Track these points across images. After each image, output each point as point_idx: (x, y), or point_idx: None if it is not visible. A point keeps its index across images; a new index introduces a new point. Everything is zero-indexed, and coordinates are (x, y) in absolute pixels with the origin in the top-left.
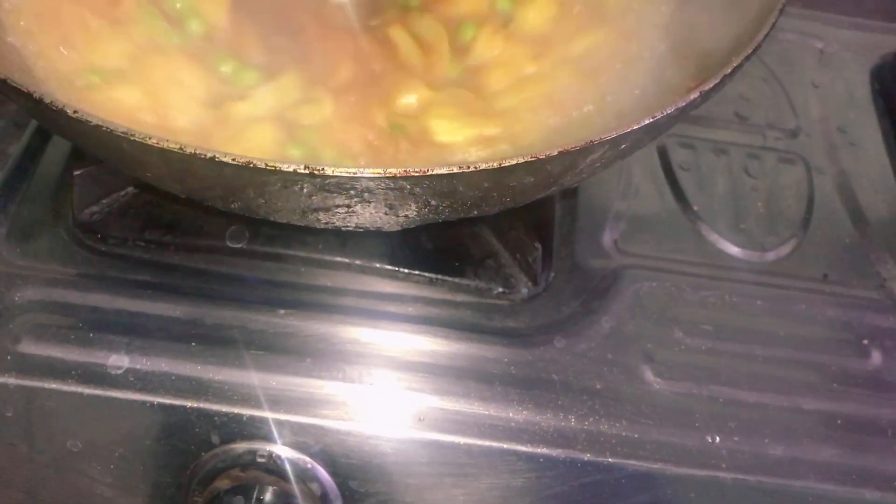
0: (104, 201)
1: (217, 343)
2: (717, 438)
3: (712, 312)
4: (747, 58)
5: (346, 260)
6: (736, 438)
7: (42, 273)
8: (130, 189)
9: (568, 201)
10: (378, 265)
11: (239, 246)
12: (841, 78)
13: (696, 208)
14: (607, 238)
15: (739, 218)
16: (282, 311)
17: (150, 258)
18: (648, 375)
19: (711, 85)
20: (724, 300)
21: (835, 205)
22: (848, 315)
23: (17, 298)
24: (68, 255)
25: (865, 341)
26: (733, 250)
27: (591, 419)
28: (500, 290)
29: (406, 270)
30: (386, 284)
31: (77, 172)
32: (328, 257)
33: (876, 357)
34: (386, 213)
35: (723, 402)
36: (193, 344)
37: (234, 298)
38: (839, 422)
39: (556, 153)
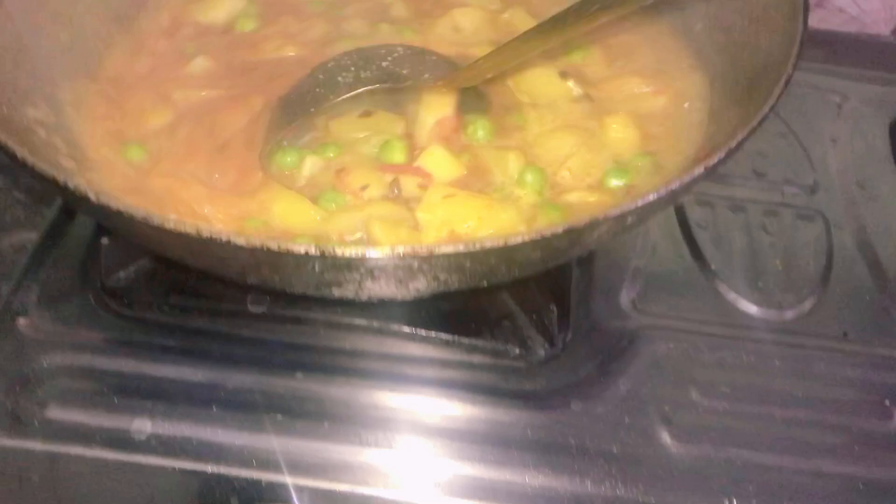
0: (130, 267)
1: (238, 407)
2: (735, 503)
3: (730, 373)
4: (752, 130)
5: (365, 322)
6: (754, 502)
7: (70, 338)
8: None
9: (585, 261)
10: (396, 327)
11: (260, 310)
12: (859, 132)
13: (713, 266)
14: (625, 297)
15: (757, 276)
16: (300, 375)
17: (175, 322)
18: (666, 438)
19: (716, 160)
20: (742, 360)
21: (854, 261)
22: (869, 374)
23: (45, 364)
24: (95, 320)
25: (887, 402)
26: (751, 309)
27: (608, 483)
28: (517, 351)
29: (423, 332)
30: (404, 346)
31: (105, 240)
32: (347, 320)
33: None
34: (396, 287)
35: (741, 465)
36: (214, 408)
37: (255, 362)
38: (861, 486)
39: (561, 230)
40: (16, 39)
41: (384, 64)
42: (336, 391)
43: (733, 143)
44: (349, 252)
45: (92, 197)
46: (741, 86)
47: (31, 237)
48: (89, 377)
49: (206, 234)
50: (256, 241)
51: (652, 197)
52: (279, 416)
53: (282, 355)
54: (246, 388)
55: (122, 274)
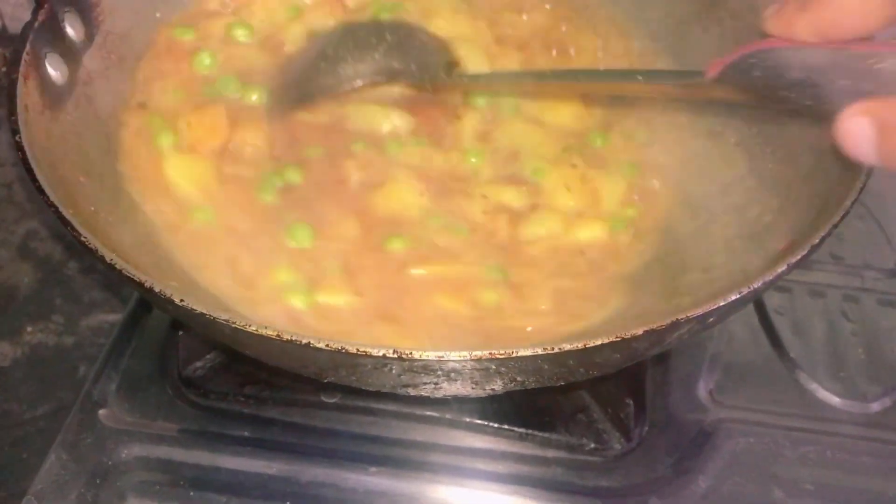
0: (207, 357)
1: (310, 502)
2: None
3: (814, 470)
4: (835, 226)
5: (437, 414)
6: None
7: (147, 428)
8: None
9: (661, 352)
10: (468, 419)
11: (333, 401)
12: None
13: (792, 355)
14: (702, 389)
15: (839, 366)
16: (373, 469)
17: (249, 412)
18: None
19: (799, 256)
20: (826, 456)
21: None
22: None
23: (123, 455)
24: (173, 410)
25: None
26: (834, 401)
27: None
28: (592, 445)
29: (496, 425)
30: (475, 439)
31: (182, 332)
32: (419, 411)
33: None
34: (473, 388)
35: None
36: (288, 503)
37: (327, 455)
38: None
39: (641, 332)
40: (104, 137)
41: (376, 56)
42: (407, 486)
43: (816, 240)
44: (426, 355)
45: (176, 300)
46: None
47: (108, 319)
48: (166, 469)
49: (285, 336)
50: (335, 345)
51: (734, 296)
52: None
53: (354, 447)
54: (318, 481)
55: (198, 364)
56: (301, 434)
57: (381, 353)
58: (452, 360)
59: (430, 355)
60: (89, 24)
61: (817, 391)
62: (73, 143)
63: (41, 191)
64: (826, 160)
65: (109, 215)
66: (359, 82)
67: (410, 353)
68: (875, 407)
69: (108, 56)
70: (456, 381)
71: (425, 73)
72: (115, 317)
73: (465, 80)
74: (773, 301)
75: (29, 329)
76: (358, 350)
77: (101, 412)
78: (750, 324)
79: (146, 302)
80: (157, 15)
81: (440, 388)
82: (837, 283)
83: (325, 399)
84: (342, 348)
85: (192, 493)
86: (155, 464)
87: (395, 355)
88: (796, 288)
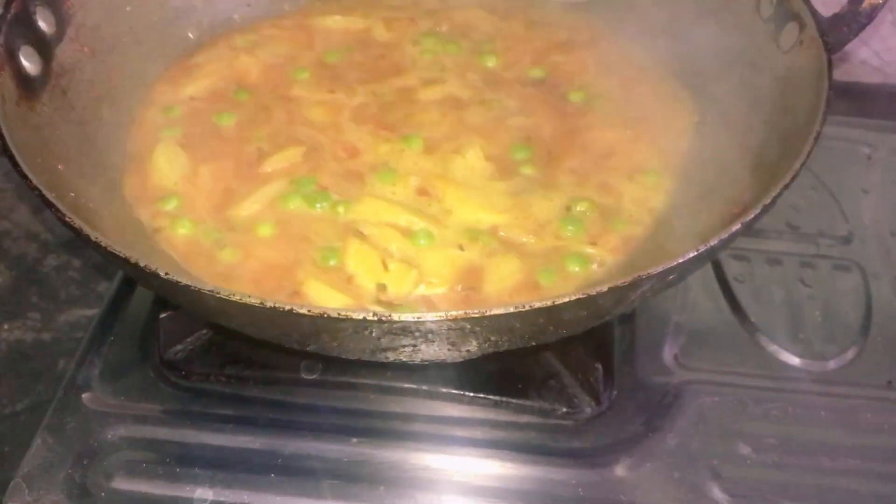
0: (188, 340)
1: (295, 473)
2: None
3: (777, 425)
4: (786, 186)
5: (414, 386)
6: None
7: (132, 410)
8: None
9: (626, 318)
10: (444, 390)
11: (313, 377)
12: (891, 181)
13: (753, 320)
14: (667, 353)
15: (798, 328)
16: (355, 440)
17: (231, 392)
18: (716, 493)
19: (752, 216)
20: (788, 412)
21: (894, 309)
22: None
23: (109, 436)
24: (155, 392)
25: None
26: (794, 361)
27: None
28: (564, 410)
29: (471, 394)
30: (453, 408)
31: (163, 315)
32: (397, 384)
33: None
34: (449, 349)
35: None
36: (273, 475)
37: (309, 428)
38: None
39: (606, 289)
40: (78, 126)
41: None
42: (390, 455)
43: (768, 200)
44: (404, 317)
45: (161, 273)
46: (772, 145)
47: (88, 314)
48: (152, 448)
49: (268, 304)
50: (317, 310)
51: (692, 254)
52: (335, 482)
53: (335, 420)
54: (302, 454)
55: (179, 347)
56: (283, 410)
57: (361, 317)
58: (430, 321)
59: (408, 316)
60: (60, 18)
61: (778, 352)
62: (50, 133)
63: (24, 176)
64: (775, 134)
65: (89, 201)
66: None
67: (390, 315)
68: (832, 365)
69: (80, 48)
70: (433, 342)
71: None
72: (92, 311)
73: None
74: (732, 269)
75: (6, 327)
76: (339, 314)
77: (85, 396)
78: (711, 291)
79: (126, 290)
80: (128, 9)
81: (418, 350)
82: (794, 251)
83: (305, 376)
84: (323, 313)
85: (178, 470)
86: (140, 443)
87: (375, 318)
88: (754, 256)
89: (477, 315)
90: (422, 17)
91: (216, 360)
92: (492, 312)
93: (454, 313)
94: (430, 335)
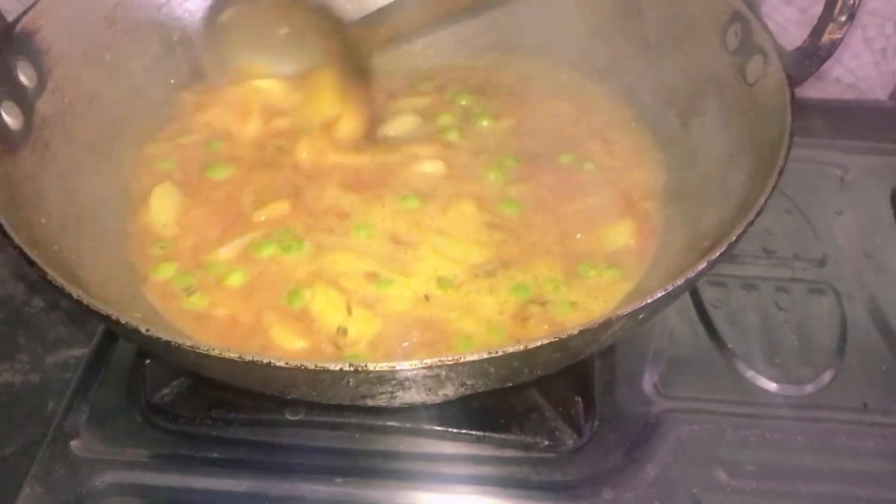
0: (174, 383)
1: None
2: None
3: (754, 452)
4: (750, 223)
5: (398, 424)
6: None
7: (120, 456)
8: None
9: (606, 349)
10: (428, 427)
11: (297, 418)
12: (863, 203)
13: (730, 346)
14: (647, 383)
15: (774, 352)
16: (339, 480)
17: (218, 434)
18: None
19: (717, 254)
20: (766, 438)
21: (868, 331)
22: (892, 444)
23: (98, 483)
24: (143, 437)
25: None
26: (770, 386)
27: None
28: (546, 443)
29: (455, 430)
30: (436, 445)
31: (148, 361)
32: (381, 423)
33: None
34: (426, 394)
35: None
36: None
37: (295, 469)
38: None
39: (577, 332)
40: (60, 179)
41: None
42: (374, 494)
43: (732, 238)
44: (380, 366)
45: (142, 330)
46: (740, 178)
47: (74, 354)
48: (140, 493)
49: (247, 357)
50: (294, 362)
51: (660, 293)
52: None
53: (320, 461)
54: (288, 495)
55: (165, 391)
56: (268, 452)
57: (338, 368)
58: (405, 370)
59: (383, 366)
60: (41, 71)
61: (755, 378)
62: (33, 187)
63: (5, 234)
64: (738, 172)
65: (72, 253)
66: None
67: (365, 366)
68: (808, 389)
69: (61, 100)
70: (410, 388)
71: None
72: (81, 352)
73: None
74: (709, 295)
75: None
76: (316, 366)
77: (73, 443)
78: (689, 318)
79: (111, 334)
80: (108, 57)
81: (396, 396)
82: (769, 276)
83: (289, 417)
84: (301, 365)
85: None
86: (129, 489)
87: (351, 368)
88: (730, 282)
89: (451, 362)
90: None
91: (202, 403)
92: (466, 359)
93: (428, 361)
94: (406, 383)
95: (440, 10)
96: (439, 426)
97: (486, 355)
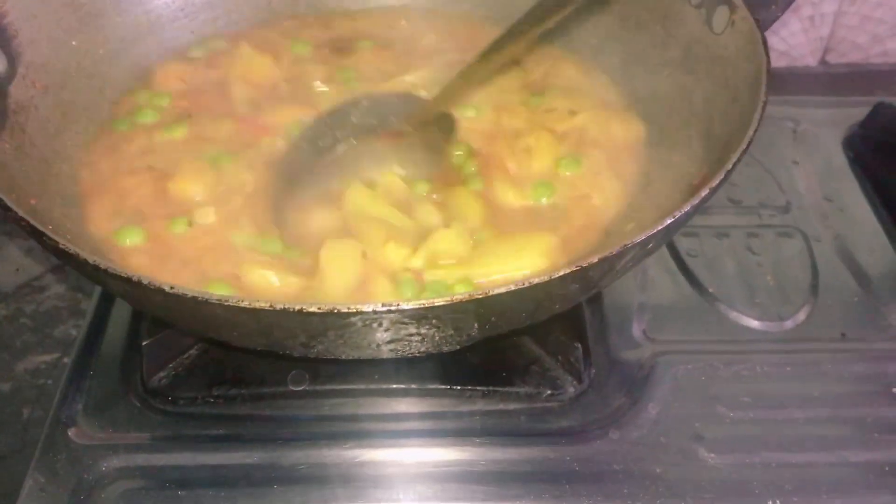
0: (170, 366)
1: (297, 482)
2: (778, 502)
3: (748, 385)
4: (744, 152)
5: (403, 385)
6: (795, 499)
7: (122, 440)
8: (193, 351)
9: (594, 303)
10: (432, 386)
11: (301, 388)
12: (817, 152)
13: (711, 290)
14: (636, 330)
15: (753, 293)
16: (349, 444)
17: (221, 412)
18: (702, 453)
19: (717, 181)
20: (757, 371)
21: (837, 268)
22: (872, 368)
23: (104, 468)
24: (143, 421)
25: (894, 389)
26: (754, 324)
27: (659, 502)
28: (549, 392)
29: (459, 387)
30: (443, 403)
31: (145, 342)
32: (385, 385)
33: None
34: (452, 335)
35: (776, 466)
36: (276, 486)
37: (304, 438)
38: (887, 468)
39: (596, 260)
40: (41, 162)
41: (353, 120)
42: (385, 453)
43: (714, 183)
44: (414, 304)
45: (166, 288)
46: (717, 122)
47: (44, 359)
48: (150, 475)
49: (279, 306)
50: (327, 307)
51: (669, 220)
52: (338, 488)
53: (329, 427)
54: (301, 463)
55: (162, 373)
56: (276, 424)
57: (371, 309)
58: (438, 306)
59: (417, 303)
60: (10, 56)
61: (738, 318)
62: (17, 171)
63: (8, 209)
64: (717, 111)
65: (67, 232)
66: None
67: (398, 304)
68: (789, 324)
69: (32, 85)
70: (439, 327)
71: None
72: (51, 356)
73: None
74: (684, 246)
75: None
76: (350, 308)
77: (71, 431)
78: (668, 269)
79: (99, 326)
80: (74, 43)
81: (424, 338)
82: (739, 224)
83: (293, 388)
84: (334, 309)
85: (181, 493)
86: (137, 472)
87: (384, 308)
88: (703, 232)
89: (482, 296)
90: None
91: (202, 382)
92: (495, 292)
93: (460, 296)
94: (435, 321)
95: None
96: (443, 385)
97: (512, 287)
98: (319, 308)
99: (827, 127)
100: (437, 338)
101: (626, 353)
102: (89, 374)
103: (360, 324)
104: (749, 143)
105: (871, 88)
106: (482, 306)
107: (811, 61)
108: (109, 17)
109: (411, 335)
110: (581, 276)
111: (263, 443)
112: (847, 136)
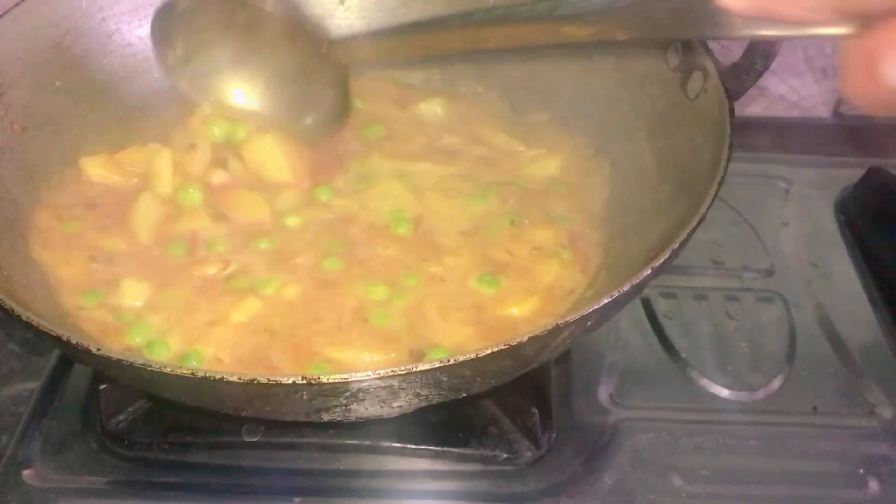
0: (129, 409)
1: None
2: None
3: (709, 457)
4: (692, 231)
5: (357, 442)
6: None
7: (75, 483)
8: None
9: (563, 361)
10: (386, 444)
11: (255, 439)
12: (808, 214)
13: (683, 355)
14: (603, 393)
15: (726, 360)
16: (299, 500)
17: (175, 459)
18: None
19: (661, 262)
20: (719, 443)
21: (816, 337)
22: (841, 446)
23: None
24: (99, 464)
25: (861, 470)
26: (723, 392)
27: None
28: (505, 455)
29: (413, 446)
30: (396, 462)
31: (103, 386)
32: (339, 441)
33: (873, 486)
34: (381, 406)
35: None
36: None
37: (254, 490)
38: None
39: (526, 339)
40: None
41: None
42: None
43: (675, 245)
44: (333, 378)
45: (93, 349)
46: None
47: (28, 387)
48: None
49: (199, 373)
50: (247, 377)
51: (606, 300)
52: None
53: (280, 482)
54: None
55: (120, 417)
56: (227, 474)
57: (290, 381)
58: (357, 380)
59: (337, 377)
60: None
61: (708, 385)
62: None
63: None
64: (684, 184)
65: (22, 278)
66: None
67: (318, 378)
68: (760, 394)
69: (10, 127)
70: (364, 400)
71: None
72: (34, 384)
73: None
74: (661, 307)
75: None
76: (269, 380)
77: (26, 472)
78: (642, 329)
79: (64, 364)
80: (57, 84)
81: (351, 409)
82: (719, 286)
83: (247, 438)
84: (254, 380)
85: None
86: None
87: (304, 381)
88: (681, 293)
89: (403, 372)
90: None
91: (158, 428)
92: (417, 369)
93: (381, 372)
94: (360, 394)
95: (424, 50)
96: (398, 443)
97: (437, 364)
98: (239, 378)
99: (820, 188)
100: (366, 409)
101: (590, 417)
102: (50, 414)
103: (282, 394)
104: (699, 223)
105: (870, 149)
106: (405, 381)
107: (824, 112)
108: (95, 60)
109: (337, 406)
110: (511, 354)
111: (214, 494)
112: (840, 197)
